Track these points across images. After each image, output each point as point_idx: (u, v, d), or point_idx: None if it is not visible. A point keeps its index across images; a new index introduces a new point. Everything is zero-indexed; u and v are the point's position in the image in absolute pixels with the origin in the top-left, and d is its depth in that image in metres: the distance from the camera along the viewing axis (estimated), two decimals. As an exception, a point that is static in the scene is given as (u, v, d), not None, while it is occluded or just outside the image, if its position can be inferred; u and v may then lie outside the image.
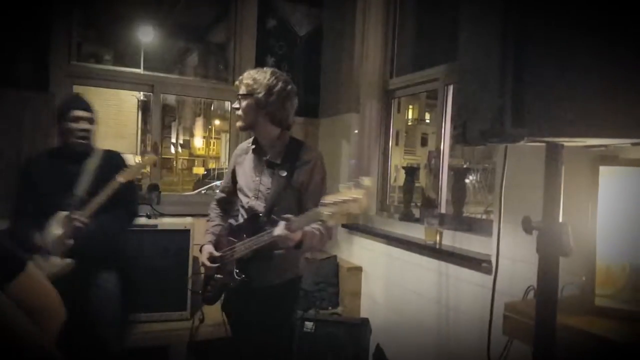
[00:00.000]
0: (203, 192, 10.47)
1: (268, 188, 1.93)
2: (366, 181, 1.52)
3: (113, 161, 2.33)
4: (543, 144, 1.09)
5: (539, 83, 0.91)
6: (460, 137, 1.07)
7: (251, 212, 1.95)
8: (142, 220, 2.97)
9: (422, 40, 3.56)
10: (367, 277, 3.32)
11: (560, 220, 1.04)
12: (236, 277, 1.89)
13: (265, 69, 1.95)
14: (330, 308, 3.25)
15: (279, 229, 1.69)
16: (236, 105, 1.95)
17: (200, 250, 2.09)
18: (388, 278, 3.10)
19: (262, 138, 1.98)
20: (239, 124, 1.96)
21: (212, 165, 20.38)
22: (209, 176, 13.29)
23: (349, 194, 1.49)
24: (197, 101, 21.15)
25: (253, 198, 1.96)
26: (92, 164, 2.28)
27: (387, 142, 3.59)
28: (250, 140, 2.09)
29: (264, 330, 1.93)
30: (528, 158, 2.10)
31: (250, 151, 2.04)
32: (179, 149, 21.66)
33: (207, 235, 2.14)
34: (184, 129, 22.14)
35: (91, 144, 2.34)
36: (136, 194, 2.42)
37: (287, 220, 1.69)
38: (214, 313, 2.57)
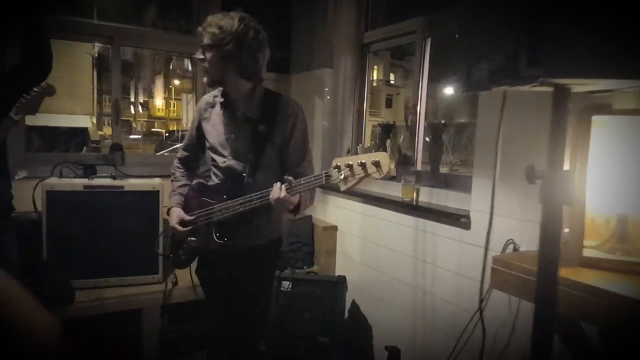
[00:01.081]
0: (166, 154, 10.13)
1: (247, 145, 1.80)
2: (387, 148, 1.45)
3: None
4: (542, 90, 1.04)
5: (553, 25, 0.86)
6: (465, 82, 1.02)
7: (230, 172, 1.83)
8: (106, 182, 2.81)
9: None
10: (343, 235, 3.30)
11: (566, 168, 1.01)
12: (217, 240, 1.79)
13: (232, 13, 1.71)
14: (305, 267, 3.24)
15: (278, 192, 1.57)
16: (200, 56, 1.73)
17: (168, 213, 1.95)
18: (363, 236, 3.09)
19: (233, 93, 1.81)
20: (205, 79, 1.76)
21: (172, 127, 19.74)
22: (171, 138, 12.86)
23: (368, 157, 1.38)
24: (156, 59, 20.22)
25: (230, 157, 1.83)
26: None
27: (362, 100, 3.50)
28: (217, 92, 1.89)
29: (245, 293, 1.87)
30: (505, 111, 2.08)
31: (218, 105, 1.87)
32: (140, 109, 20.78)
33: (174, 196, 1.99)
34: (143, 89, 21.21)
35: None
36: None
37: (288, 182, 1.56)
38: (187, 276, 2.49)
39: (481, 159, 2.23)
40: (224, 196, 1.79)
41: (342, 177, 1.42)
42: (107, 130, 11.21)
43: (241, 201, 1.72)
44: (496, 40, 0.94)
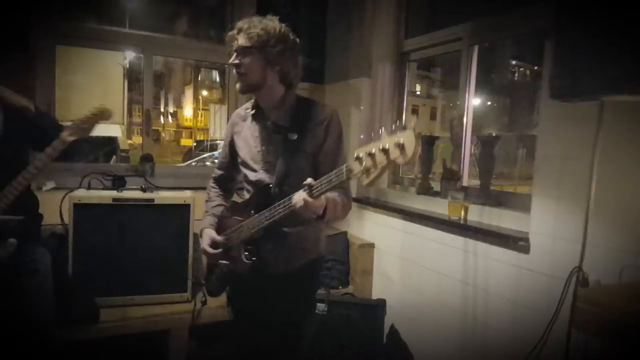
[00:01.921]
0: (193, 164, 10.14)
1: (277, 156, 1.64)
2: (411, 122, 1.13)
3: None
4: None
5: None
6: (564, 91, 0.84)
7: (260, 185, 1.67)
8: (136, 194, 2.70)
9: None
10: (380, 254, 3.10)
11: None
12: (245, 260, 1.62)
13: (270, 16, 1.61)
14: (340, 287, 3.05)
15: (299, 197, 1.39)
16: (235, 60, 1.58)
17: (201, 235, 1.80)
18: (404, 255, 2.89)
19: (266, 100, 1.66)
20: (240, 85, 1.61)
21: (200, 137, 19.88)
22: (199, 147, 12.88)
23: (391, 139, 1.11)
24: (186, 70, 20.48)
25: (262, 171, 1.68)
26: None
27: (400, 110, 3.32)
28: (248, 105, 1.77)
29: (279, 324, 1.70)
30: (572, 127, 1.87)
31: (249, 117, 1.74)
32: (169, 119, 21.03)
33: (207, 217, 1.84)
34: (173, 99, 21.50)
35: None
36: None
37: (308, 185, 1.38)
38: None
39: (542, 176, 2.02)
40: (252, 211, 1.63)
41: (364, 169, 1.17)
42: (136, 139, 11.31)
43: (266, 214, 1.55)
44: (608, 47, 0.76)
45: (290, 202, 1.45)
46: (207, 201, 1.92)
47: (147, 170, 3.18)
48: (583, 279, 1.83)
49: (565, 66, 0.84)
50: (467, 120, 2.71)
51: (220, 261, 1.74)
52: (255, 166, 1.70)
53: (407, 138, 1.08)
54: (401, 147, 1.09)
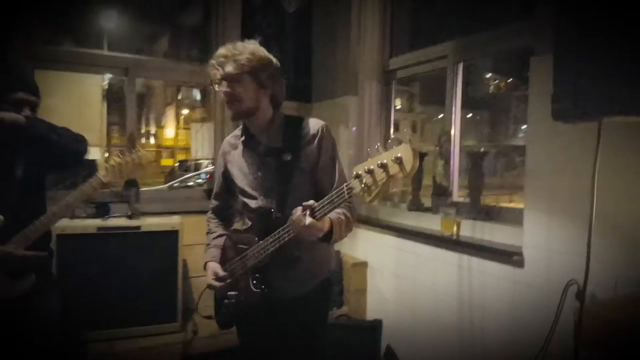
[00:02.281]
0: (176, 185, 9.97)
1: (274, 179, 1.61)
2: (406, 136, 1.15)
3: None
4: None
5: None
6: (565, 111, 0.84)
7: (261, 211, 1.63)
8: (122, 222, 2.63)
9: (425, 15, 3.30)
10: (373, 272, 3.08)
11: None
12: (254, 289, 1.58)
13: (250, 40, 1.60)
14: (335, 308, 3.00)
15: (299, 219, 1.35)
16: (226, 89, 1.54)
17: (205, 268, 1.75)
18: (398, 273, 2.86)
19: (257, 125, 1.63)
20: (233, 112, 1.58)
21: (181, 156, 19.67)
22: (183, 167, 12.70)
23: (389, 154, 1.09)
24: (167, 90, 20.36)
25: (261, 197, 1.64)
26: None
27: (387, 128, 3.33)
28: (237, 132, 1.74)
29: (293, 348, 1.65)
30: (561, 142, 1.89)
31: (240, 145, 1.70)
32: (151, 140, 20.81)
33: (209, 249, 1.79)
34: (154, 119, 21.31)
35: None
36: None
37: (308, 207, 1.35)
38: (208, 323, 2.27)
39: (534, 190, 2.03)
40: (256, 238, 1.60)
41: (364, 186, 1.15)
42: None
43: (271, 239, 1.52)
44: (609, 68, 0.76)
45: (291, 226, 1.41)
46: (207, 233, 1.87)
47: (131, 196, 3.10)
48: (579, 291, 1.83)
49: (567, 87, 0.84)
50: (455, 135, 2.73)
51: (229, 293, 1.69)
52: (255, 193, 1.66)
53: (405, 152, 1.07)
54: (399, 161, 1.08)
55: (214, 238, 1.82)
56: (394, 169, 1.09)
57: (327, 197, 1.32)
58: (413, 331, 2.71)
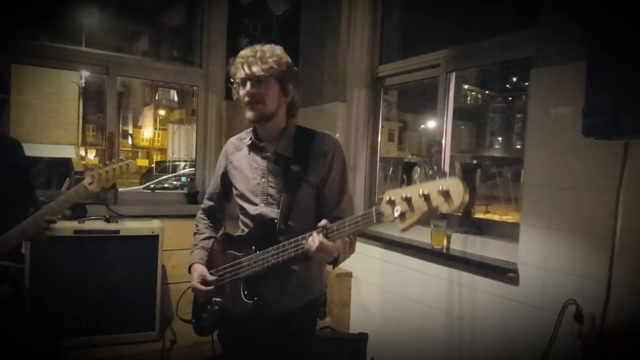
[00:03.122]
0: (152, 186, 9.74)
1: (280, 190, 1.55)
2: (458, 171, 1.08)
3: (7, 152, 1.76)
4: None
5: None
6: (601, 127, 0.79)
7: (261, 219, 1.56)
8: (99, 225, 2.50)
9: (416, 22, 3.27)
10: (358, 284, 3.01)
11: None
12: (245, 299, 1.50)
13: (272, 45, 1.55)
14: (318, 320, 2.91)
15: (314, 239, 1.30)
16: (252, 89, 1.48)
17: (190, 270, 1.68)
18: (384, 286, 2.80)
19: (270, 132, 1.58)
20: (253, 114, 1.50)
21: (157, 157, 19.31)
22: (159, 168, 12.42)
23: (433, 186, 1.04)
24: (145, 90, 20.01)
25: (262, 204, 1.57)
26: None
27: (375, 135, 3.28)
28: (244, 135, 1.69)
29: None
30: (562, 156, 1.87)
31: (245, 148, 1.64)
32: (129, 140, 20.39)
33: (196, 251, 1.72)
34: (131, 119, 20.89)
35: None
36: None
37: (325, 229, 1.29)
38: (187, 331, 2.17)
39: (531, 205, 2.00)
40: (253, 247, 1.52)
41: (398, 213, 1.10)
42: (91, 161, 10.82)
43: (273, 252, 1.44)
44: None
45: (303, 243, 1.35)
46: (195, 233, 1.81)
47: (109, 197, 2.97)
48: (578, 312, 1.80)
49: (601, 102, 0.78)
50: (446, 145, 2.69)
51: (214, 299, 1.62)
52: (255, 199, 1.59)
53: (455, 186, 1.01)
54: (446, 194, 1.02)
55: (202, 239, 1.75)
56: (437, 200, 1.03)
57: (350, 218, 1.26)
58: (398, 346, 2.65)
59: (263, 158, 1.59)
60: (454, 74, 2.70)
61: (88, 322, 2.35)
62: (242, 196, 1.63)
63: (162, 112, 21.79)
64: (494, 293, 2.12)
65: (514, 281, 2.03)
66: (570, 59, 1.72)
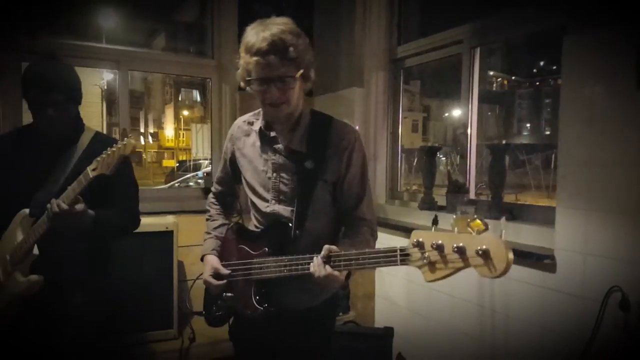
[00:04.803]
0: (177, 185, 9.86)
1: (293, 188, 1.40)
2: (502, 230, 0.95)
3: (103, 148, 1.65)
4: None
5: None
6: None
7: (275, 219, 1.43)
8: (112, 222, 2.43)
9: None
10: (383, 276, 2.87)
11: None
12: (256, 304, 1.38)
13: (281, 18, 1.36)
14: (341, 314, 2.80)
15: (319, 268, 1.19)
16: (276, 92, 1.30)
17: (202, 260, 1.57)
18: (409, 277, 2.66)
19: (284, 122, 1.41)
20: (276, 116, 1.37)
21: (182, 157, 19.58)
22: (182, 168, 12.56)
23: (471, 240, 0.94)
24: (165, 90, 20.27)
25: (274, 202, 1.43)
26: (73, 153, 1.70)
27: (396, 120, 3.13)
28: (251, 118, 1.52)
29: None
30: (599, 133, 1.70)
31: (254, 134, 1.48)
32: (150, 140, 20.69)
33: (209, 240, 1.59)
34: (152, 120, 21.21)
35: (69, 127, 1.71)
36: (133, 188, 1.79)
37: (325, 256, 1.18)
38: (206, 330, 2.08)
39: (568, 186, 1.82)
40: (266, 249, 1.40)
41: (426, 261, 0.99)
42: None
43: (286, 262, 1.31)
44: None
45: (308, 268, 1.24)
46: (207, 220, 1.68)
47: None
48: (623, 299, 1.63)
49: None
50: (472, 128, 2.52)
51: (225, 294, 1.51)
52: (266, 195, 1.45)
53: (495, 248, 0.89)
54: (486, 255, 0.90)
55: (215, 227, 1.63)
56: (476, 261, 0.92)
57: (370, 250, 1.15)
58: (427, 340, 2.50)
59: (272, 149, 1.44)
60: (478, 50, 2.52)
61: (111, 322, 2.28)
62: (252, 189, 1.49)
63: (185, 113, 22.08)
64: (530, 282, 1.96)
65: (551, 268, 1.86)
66: (607, 23, 1.54)
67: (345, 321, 2.73)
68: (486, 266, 0.89)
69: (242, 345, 1.63)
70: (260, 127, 1.46)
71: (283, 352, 1.48)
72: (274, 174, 1.43)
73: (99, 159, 1.51)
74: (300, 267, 1.28)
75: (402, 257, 1.04)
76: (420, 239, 0.99)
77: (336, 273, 1.18)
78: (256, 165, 1.47)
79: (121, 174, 1.59)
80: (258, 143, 1.47)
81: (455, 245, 0.93)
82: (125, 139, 1.49)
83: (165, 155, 21.37)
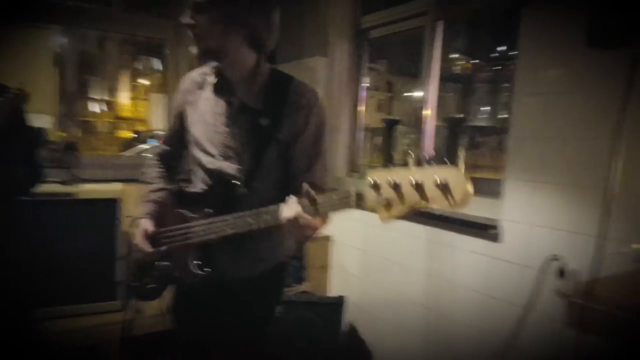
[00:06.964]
0: (129, 154, 9.43)
1: (243, 144, 1.33)
2: (460, 159, 0.85)
3: None
4: None
5: None
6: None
7: (220, 177, 1.35)
8: (55, 188, 2.31)
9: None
10: (337, 247, 2.88)
11: None
12: (194, 270, 1.32)
13: None
14: (294, 285, 2.80)
15: (295, 210, 1.09)
16: (189, 20, 1.26)
17: (133, 225, 1.45)
18: (363, 248, 2.68)
19: (232, 71, 1.33)
20: (196, 49, 1.28)
21: (139, 127, 18.92)
22: (139, 139, 12.09)
23: (428, 174, 0.85)
24: (123, 57, 19.40)
25: (220, 157, 1.35)
26: None
27: (358, 93, 3.09)
28: (208, 70, 1.42)
29: (237, 334, 1.42)
30: (550, 106, 1.73)
31: (209, 87, 1.39)
32: (105, 108, 19.88)
33: (145, 204, 1.47)
34: (108, 88, 20.34)
35: None
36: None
37: (307, 196, 1.08)
38: (156, 302, 2.02)
39: (517, 159, 1.86)
40: (210, 210, 1.33)
41: (382, 201, 0.92)
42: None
43: (231, 221, 1.24)
44: None
45: (272, 213, 1.15)
46: (146, 182, 1.55)
47: (71, 161, 2.76)
48: (562, 269, 1.69)
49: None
50: (431, 104, 2.52)
51: (160, 263, 1.42)
52: (213, 150, 1.36)
53: (455, 179, 0.82)
54: (444, 188, 0.83)
55: (152, 191, 1.50)
56: (433, 193, 0.84)
57: (335, 193, 1.05)
58: (378, 308, 2.55)
59: (227, 103, 1.35)
60: (441, 23, 2.51)
61: (43, 292, 2.16)
62: (198, 143, 1.40)
63: (143, 82, 21.28)
64: (475, 251, 2.02)
65: (496, 238, 1.92)
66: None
67: (299, 291, 2.73)
68: (444, 198, 0.83)
69: (183, 318, 1.55)
70: (217, 79, 1.37)
71: (225, 322, 1.41)
72: (225, 129, 1.35)
73: None
74: (250, 224, 1.20)
75: (357, 198, 0.99)
76: (376, 180, 0.92)
77: (308, 216, 1.07)
78: (206, 119, 1.38)
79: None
80: (212, 96, 1.39)
81: (412, 181, 0.86)
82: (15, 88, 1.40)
83: (122, 126, 20.62)
